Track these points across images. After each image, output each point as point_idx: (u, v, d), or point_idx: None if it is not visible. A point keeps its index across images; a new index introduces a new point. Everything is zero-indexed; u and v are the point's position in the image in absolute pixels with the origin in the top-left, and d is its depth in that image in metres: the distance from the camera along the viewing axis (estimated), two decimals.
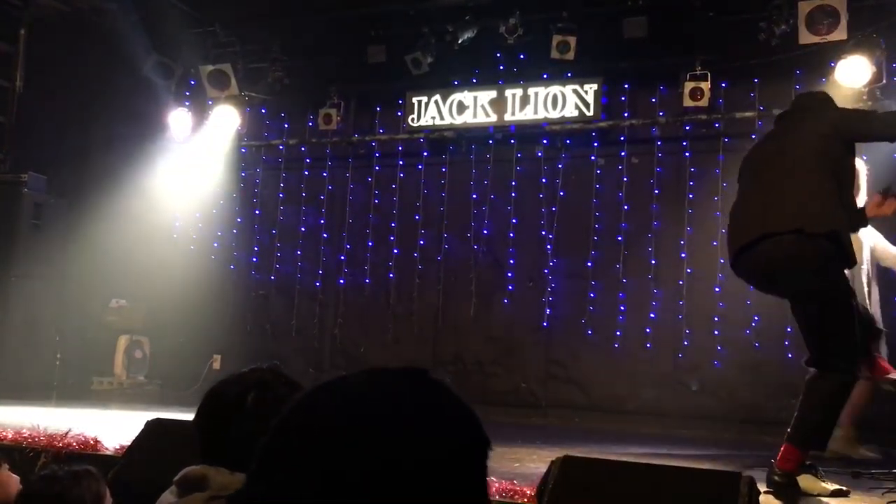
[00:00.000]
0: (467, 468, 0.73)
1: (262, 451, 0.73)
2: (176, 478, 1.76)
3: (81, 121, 8.49)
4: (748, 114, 6.93)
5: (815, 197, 3.70)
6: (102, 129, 8.68)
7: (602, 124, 7.42)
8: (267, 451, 0.73)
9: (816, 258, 3.68)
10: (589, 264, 7.34)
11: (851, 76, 6.31)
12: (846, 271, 3.81)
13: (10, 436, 4.13)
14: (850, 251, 3.70)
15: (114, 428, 4.42)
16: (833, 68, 6.40)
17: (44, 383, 7.40)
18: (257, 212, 8.72)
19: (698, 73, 6.85)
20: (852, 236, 3.82)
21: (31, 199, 7.64)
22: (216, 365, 8.26)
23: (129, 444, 3.46)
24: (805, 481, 3.56)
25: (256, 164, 8.82)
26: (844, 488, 3.65)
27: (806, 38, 6.27)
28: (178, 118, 8.56)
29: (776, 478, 3.54)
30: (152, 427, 3.39)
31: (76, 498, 2.29)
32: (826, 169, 3.72)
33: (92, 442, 4.04)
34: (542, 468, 2.98)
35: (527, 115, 7.56)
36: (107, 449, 3.98)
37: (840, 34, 6.19)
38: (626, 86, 7.43)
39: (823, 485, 3.60)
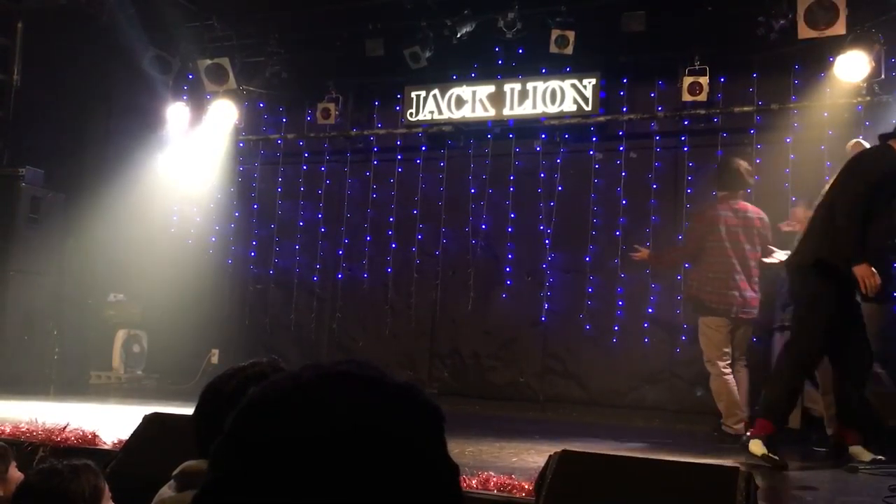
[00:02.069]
0: (421, 449, 0.70)
1: (218, 454, 0.71)
2: (175, 472, 1.76)
3: (79, 115, 8.47)
4: (747, 108, 6.93)
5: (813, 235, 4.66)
6: (100, 123, 8.67)
7: (600, 119, 7.42)
8: (223, 455, 0.71)
9: (797, 279, 4.72)
10: (587, 259, 7.34)
11: (850, 71, 6.31)
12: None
13: (8, 430, 4.13)
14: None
15: (112, 422, 4.42)
16: (832, 63, 6.40)
17: (42, 378, 7.40)
18: (255, 206, 8.72)
19: (697, 67, 6.84)
20: None
21: (28, 193, 7.62)
22: (214, 359, 8.26)
23: (127, 438, 3.46)
24: (753, 445, 4.26)
25: (254, 158, 8.81)
26: (785, 462, 4.27)
27: (805, 32, 6.27)
28: (175, 112, 8.55)
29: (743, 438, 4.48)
30: (150, 421, 3.39)
31: (75, 492, 2.29)
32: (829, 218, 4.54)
33: (90, 436, 4.03)
34: (540, 462, 2.98)
35: (525, 109, 7.56)
36: (105, 443, 3.98)
37: (839, 29, 6.18)
38: (625, 80, 7.42)
39: (765, 452, 4.23)
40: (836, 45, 6.33)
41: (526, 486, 3.20)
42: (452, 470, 0.72)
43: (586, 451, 3.24)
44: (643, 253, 6.09)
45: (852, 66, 6.29)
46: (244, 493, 0.67)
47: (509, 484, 3.27)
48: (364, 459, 0.66)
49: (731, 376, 5.50)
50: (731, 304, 5.53)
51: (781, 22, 6.45)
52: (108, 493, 2.38)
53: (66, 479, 2.30)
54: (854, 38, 6.25)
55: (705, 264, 5.61)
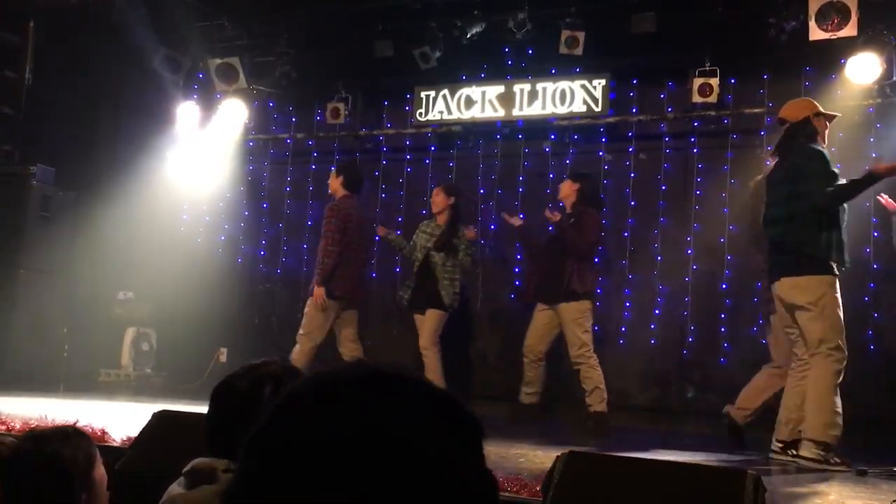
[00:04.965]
0: (460, 457, 0.69)
1: (251, 448, 0.70)
2: (185, 469, 1.76)
3: (90, 113, 8.51)
4: (757, 110, 6.90)
5: None
6: (110, 122, 8.70)
7: (610, 120, 7.41)
8: (256, 448, 0.70)
9: None
10: (595, 260, 7.32)
11: (861, 73, 6.29)
12: None
13: (18, 426, 4.15)
14: None
15: (121, 419, 4.44)
16: (843, 65, 6.38)
17: (51, 375, 7.42)
18: (264, 205, 8.73)
19: (707, 68, 6.82)
20: None
21: (39, 191, 7.66)
22: (223, 358, 8.28)
23: (136, 435, 3.47)
24: None
25: (263, 157, 8.83)
26: None
27: (816, 34, 6.25)
28: (185, 111, 8.58)
29: None
30: (159, 419, 3.40)
31: (70, 458, 2.19)
32: None
33: (99, 433, 4.05)
34: (547, 463, 2.98)
35: (535, 110, 7.55)
36: (114, 440, 3.99)
37: (850, 31, 6.16)
38: (635, 81, 7.41)
39: None
40: (847, 47, 6.30)
41: (533, 487, 3.20)
42: (489, 482, 0.72)
43: (593, 452, 3.23)
44: None
45: (864, 68, 6.27)
46: (279, 490, 0.66)
47: (516, 485, 3.27)
48: (401, 465, 0.65)
49: None
50: (357, 293, 6.53)
51: (792, 23, 6.43)
52: (100, 459, 2.32)
53: (60, 445, 2.22)
54: (865, 39, 6.23)
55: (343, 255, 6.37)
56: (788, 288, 4.62)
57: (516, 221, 6.63)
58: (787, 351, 5.10)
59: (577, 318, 6.01)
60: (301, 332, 6.37)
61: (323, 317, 6.34)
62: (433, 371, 6.38)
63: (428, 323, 6.54)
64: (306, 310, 6.40)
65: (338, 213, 6.36)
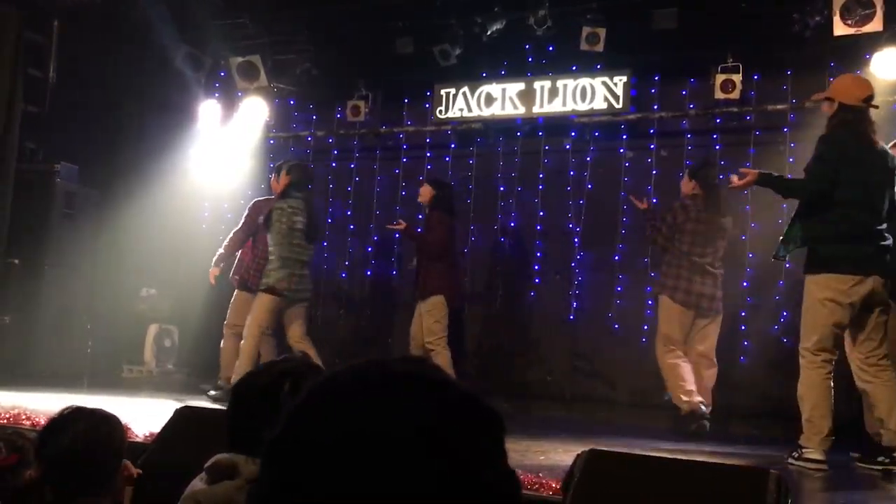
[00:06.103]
0: (482, 451, 0.69)
1: (277, 441, 0.71)
2: (206, 464, 1.77)
3: (112, 111, 8.57)
4: (780, 106, 6.84)
5: None
6: (133, 120, 8.77)
7: (631, 117, 7.36)
8: (282, 440, 0.70)
9: None
10: (616, 258, 7.30)
11: (887, 68, 6.21)
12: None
13: (42, 422, 4.20)
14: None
15: (144, 415, 4.48)
16: (868, 60, 6.30)
17: (75, 371, 7.50)
18: None
19: (730, 65, 6.77)
20: None
21: (63, 189, 7.73)
22: None
23: (158, 431, 3.50)
24: None
25: (284, 155, 8.84)
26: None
27: (840, 29, 6.17)
28: (207, 109, 8.63)
29: None
30: (182, 414, 3.43)
31: (118, 441, 2.27)
32: None
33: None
34: (568, 461, 2.97)
35: (555, 107, 7.52)
36: (137, 436, 4.02)
37: (875, 26, 6.09)
38: (656, 78, 7.36)
39: None
40: (872, 43, 6.23)
41: (553, 485, 3.19)
42: (512, 481, 0.72)
43: (614, 450, 3.22)
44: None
45: (889, 64, 6.19)
46: (302, 492, 0.66)
47: (537, 482, 3.26)
48: (421, 465, 0.65)
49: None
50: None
51: (817, 19, 6.36)
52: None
53: (111, 428, 2.26)
54: (891, 35, 6.15)
55: (260, 249, 6.80)
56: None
57: (400, 225, 6.82)
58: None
59: (429, 310, 6.58)
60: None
61: (236, 306, 6.99)
62: (244, 363, 6.35)
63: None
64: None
65: (252, 208, 7.00)
